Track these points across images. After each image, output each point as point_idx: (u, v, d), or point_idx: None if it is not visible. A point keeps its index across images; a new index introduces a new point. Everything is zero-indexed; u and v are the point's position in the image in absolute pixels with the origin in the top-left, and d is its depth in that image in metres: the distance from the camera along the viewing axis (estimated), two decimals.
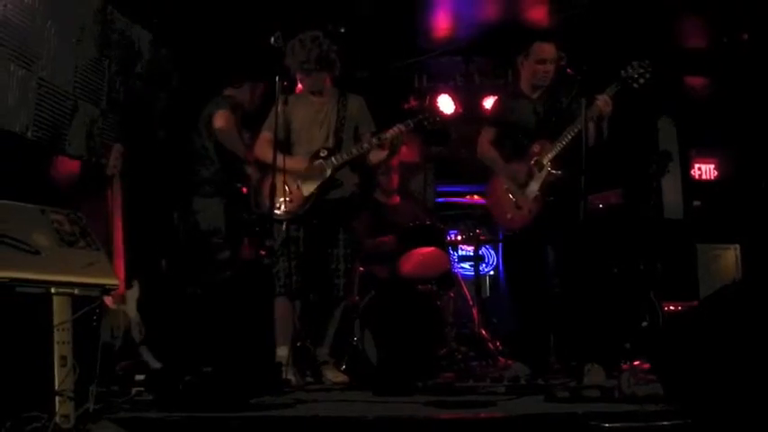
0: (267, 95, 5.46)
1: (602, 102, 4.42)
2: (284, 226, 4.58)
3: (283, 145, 4.65)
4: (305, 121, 4.72)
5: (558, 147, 4.53)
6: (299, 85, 5.03)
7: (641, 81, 4.43)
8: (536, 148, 4.62)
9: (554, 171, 4.56)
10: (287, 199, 4.59)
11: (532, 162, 4.61)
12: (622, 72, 4.46)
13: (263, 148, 4.72)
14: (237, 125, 5.28)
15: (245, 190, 5.34)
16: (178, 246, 5.63)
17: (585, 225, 4.04)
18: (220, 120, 5.17)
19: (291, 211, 4.60)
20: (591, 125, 4.44)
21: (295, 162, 4.63)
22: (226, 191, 5.28)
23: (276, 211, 4.54)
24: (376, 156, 4.75)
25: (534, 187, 4.60)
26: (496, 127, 4.92)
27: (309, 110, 4.74)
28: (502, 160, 4.81)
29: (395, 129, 4.64)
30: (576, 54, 4.68)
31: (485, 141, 4.93)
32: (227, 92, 5.44)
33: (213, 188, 5.24)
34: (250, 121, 5.36)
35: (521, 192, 4.64)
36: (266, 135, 4.74)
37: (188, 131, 5.48)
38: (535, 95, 4.79)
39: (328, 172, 4.62)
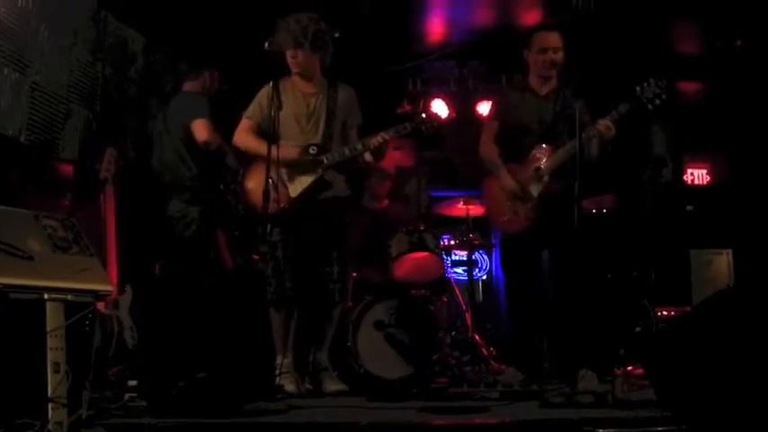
0: (222, 81, 5.35)
1: (604, 127, 4.33)
2: (268, 228, 4.30)
3: (269, 139, 4.38)
4: (293, 114, 4.54)
5: (561, 158, 4.45)
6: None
7: (656, 102, 4.31)
8: (538, 153, 4.56)
9: (554, 182, 4.48)
10: (272, 199, 4.36)
11: (533, 168, 4.56)
12: (637, 89, 4.33)
13: (243, 136, 4.58)
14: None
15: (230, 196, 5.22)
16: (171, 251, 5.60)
17: (579, 231, 4.03)
18: (203, 132, 4.90)
19: (278, 213, 4.35)
20: (594, 142, 4.39)
21: (286, 151, 4.36)
22: (205, 197, 5.11)
23: (263, 212, 4.41)
24: (364, 158, 4.70)
25: (533, 194, 4.55)
26: (500, 122, 4.82)
27: (297, 101, 4.57)
28: (501, 163, 4.72)
29: (380, 136, 4.52)
30: (569, 59, 4.66)
31: (487, 139, 4.82)
32: (187, 87, 5.25)
33: (191, 194, 5.07)
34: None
35: (519, 198, 4.61)
36: (246, 122, 4.60)
37: (156, 132, 5.31)
38: (543, 92, 4.70)
39: (319, 171, 4.52)
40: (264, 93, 4.58)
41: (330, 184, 4.56)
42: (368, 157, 4.69)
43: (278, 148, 4.23)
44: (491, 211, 4.89)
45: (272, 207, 4.34)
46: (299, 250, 4.51)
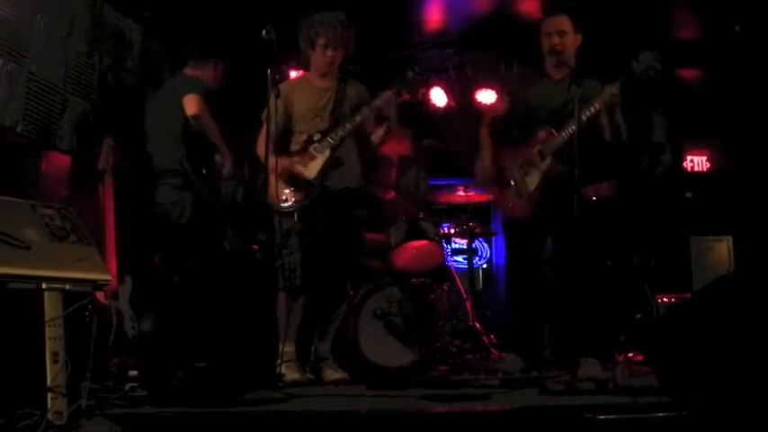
0: (228, 74, 5.27)
1: (608, 94, 4.26)
2: (296, 217, 4.47)
3: (284, 134, 4.56)
4: (307, 109, 4.61)
5: (563, 137, 4.34)
6: (294, 73, 4.87)
7: (651, 73, 4.20)
8: (541, 135, 4.46)
9: (556, 164, 4.39)
10: (292, 189, 4.50)
11: (535, 150, 4.48)
12: (633, 62, 4.23)
13: (263, 142, 4.53)
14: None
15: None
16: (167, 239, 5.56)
17: (579, 217, 4.01)
18: (193, 106, 4.78)
19: (298, 201, 4.51)
20: (604, 119, 4.35)
21: (288, 163, 4.51)
22: (195, 183, 4.97)
23: (283, 204, 4.47)
24: (376, 134, 4.71)
25: (536, 177, 4.47)
26: (508, 107, 4.80)
27: (311, 96, 4.63)
28: (487, 146, 4.67)
29: (385, 94, 4.57)
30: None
31: (484, 124, 4.79)
32: (188, 70, 5.16)
33: (182, 179, 4.92)
34: (212, 100, 5.08)
35: (522, 180, 4.57)
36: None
37: (149, 114, 5.22)
38: (557, 77, 4.60)
39: (327, 152, 4.53)
40: (272, 97, 4.56)
41: (342, 162, 4.57)
42: (375, 135, 4.72)
43: (268, 144, 4.29)
44: (497, 198, 4.83)
45: (294, 196, 4.48)
46: (314, 240, 4.55)
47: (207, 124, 4.85)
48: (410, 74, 4.74)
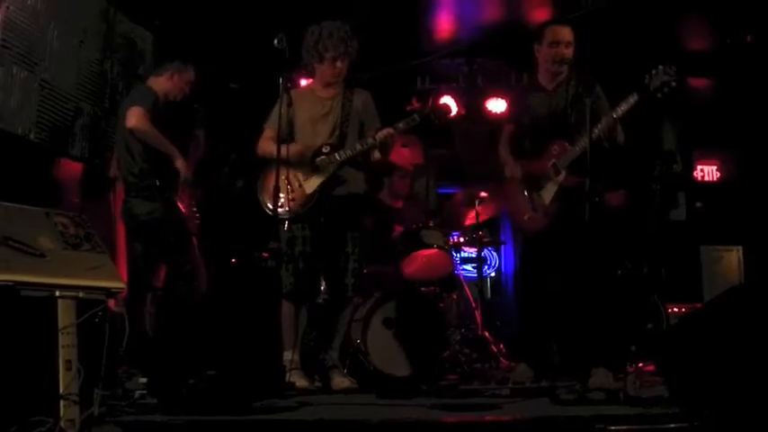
0: (198, 83, 5.18)
1: (622, 108, 4.22)
2: (286, 226, 4.49)
3: (286, 142, 4.49)
4: (309, 117, 4.61)
5: (577, 151, 4.33)
6: (302, 81, 4.88)
7: (665, 90, 4.15)
8: (555, 149, 4.48)
9: (571, 176, 4.37)
10: (289, 197, 4.46)
11: (550, 164, 4.49)
12: (646, 77, 4.19)
13: (264, 145, 4.60)
14: (160, 118, 4.82)
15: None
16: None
17: (591, 226, 4.00)
18: (132, 118, 4.67)
19: (294, 210, 4.48)
20: (618, 129, 4.30)
21: (295, 152, 4.45)
22: (161, 194, 4.87)
23: (279, 210, 4.44)
24: (374, 155, 4.68)
25: (551, 190, 4.48)
26: (514, 125, 4.79)
27: (314, 105, 4.63)
28: (512, 162, 4.68)
29: (387, 130, 4.52)
30: (579, 54, 4.62)
31: (503, 141, 4.80)
32: (150, 81, 5.07)
33: (150, 192, 4.81)
34: (176, 110, 5.07)
35: (537, 194, 4.57)
36: (268, 132, 4.59)
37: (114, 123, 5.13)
38: (552, 87, 4.62)
39: (331, 169, 4.54)
40: (283, 105, 4.52)
41: (345, 181, 4.58)
42: (373, 156, 4.68)
43: (287, 148, 4.30)
44: (512, 211, 4.83)
45: (289, 205, 4.41)
46: (316, 246, 4.55)
47: (149, 136, 4.73)
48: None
